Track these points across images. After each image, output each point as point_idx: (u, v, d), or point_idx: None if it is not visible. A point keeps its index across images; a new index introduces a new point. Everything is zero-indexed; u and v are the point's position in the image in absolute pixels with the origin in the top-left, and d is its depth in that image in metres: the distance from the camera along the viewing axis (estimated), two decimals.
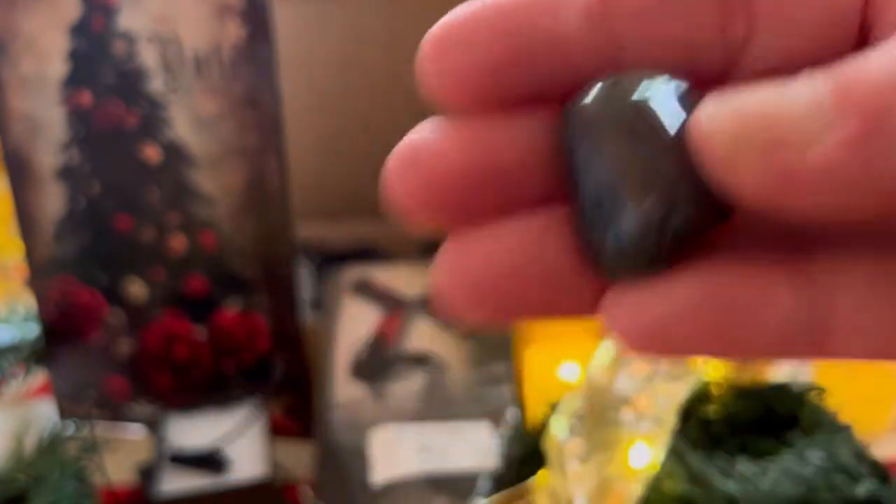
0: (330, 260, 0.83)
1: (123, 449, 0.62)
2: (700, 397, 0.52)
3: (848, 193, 0.14)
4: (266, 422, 0.56)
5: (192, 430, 0.56)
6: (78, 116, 0.59)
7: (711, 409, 0.51)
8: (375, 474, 0.52)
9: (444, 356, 0.60)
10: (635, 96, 0.16)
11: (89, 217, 0.61)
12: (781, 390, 0.52)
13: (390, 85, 0.80)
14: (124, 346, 0.64)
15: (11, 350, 0.67)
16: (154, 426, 0.57)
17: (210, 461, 0.52)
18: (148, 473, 0.54)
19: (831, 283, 0.16)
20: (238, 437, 0.54)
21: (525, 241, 0.17)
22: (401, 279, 0.66)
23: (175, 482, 0.51)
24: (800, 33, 0.17)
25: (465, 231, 0.17)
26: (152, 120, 0.58)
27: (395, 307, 0.63)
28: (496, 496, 0.45)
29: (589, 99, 0.16)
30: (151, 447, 0.55)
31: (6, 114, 0.60)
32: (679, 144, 0.15)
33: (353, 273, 0.67)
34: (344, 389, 0.59)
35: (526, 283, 0.17)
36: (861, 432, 0.49)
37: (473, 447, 0.53)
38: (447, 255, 0.18)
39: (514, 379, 0.59)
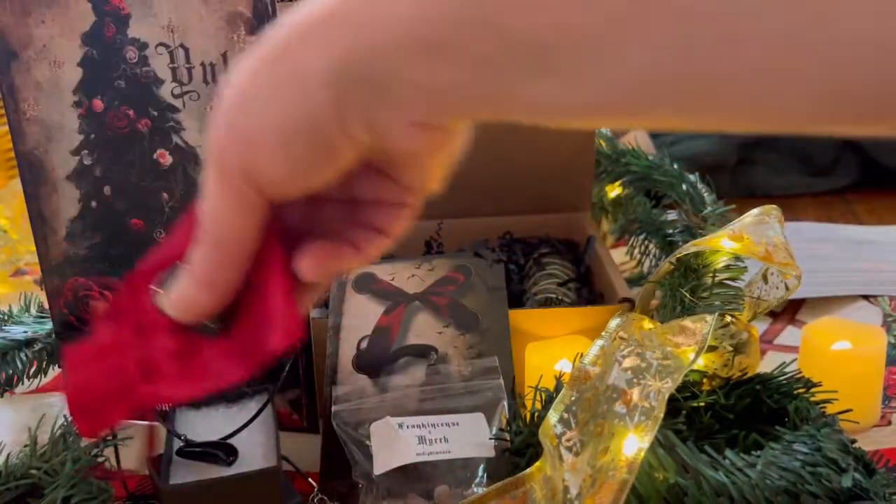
0: None
1: (135, 443, 0.63)
2: (690, 391, 0.53)
3: None
4: (273, 414, 0.56)
5: (202, 424, 0.57)
6: (90, 121, 0.60)
7: (701, 403, 0.52)
8: (377, 464, 0.53)
9: (444, 350, 0.61)
10: None
11: (102, 218, 0.62)
12: (769, 384, 0.53)
13: None
14: None
15: (25, 346, 0.68)
16: (164, 420, 0.58)
17: (218, 453, 0.53)
18: (158, 466, 0.54)
19: None
20: (246, 430, 0.55)
21: None
22: (402, 276, 0.66)
23: (185, 474, 0.52)
24: None
25: None
26: (163, 125, 0.59)
27: (396, 303, 0.64)
28: (493, 486, 0.46)
29: None
30: (162, 440, 0.56)
31: (21, 118, 0.61)
32: None
33: (356, 270, 0.67)
34: (349, 383, 0.60)
35: None
36: (847, 426, 0.50)
37: (467, 438, 0.53)
38: None
39: (511, 373, 0.59)
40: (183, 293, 0.34)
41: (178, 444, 0.54)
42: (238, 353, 0.36)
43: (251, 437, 0.54)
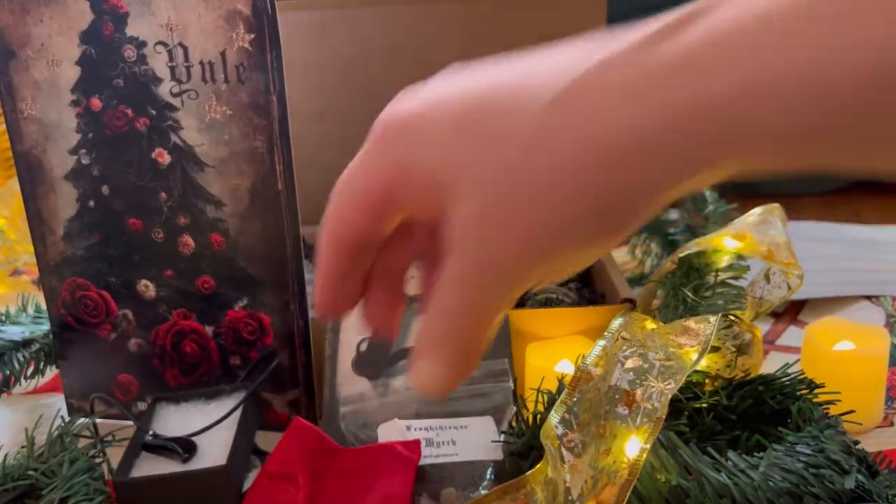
0: None
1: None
2: (692, 392, 0.52)
3: None
4: (249, 414, 0.56)
5: (178, 419, 0.56)
6: (88, 120, 0.60)
7: (703, 404, 0.52)
8: None
9: None
10: None
11: (100, 218, 0.62)
12: (772, 385, 0.53)
13: (391, 90, 0.81)
14: (134, 344, 0.65)
15: (23, 347, 0.68)
16: (131, 412, 0.58)
17: (177, 448, 0.53)
18: (123, 460, 0.54)
19: None
20: (218, 428, 0.55)
21: None
22: None
23: (145, 468, 0.52)
24: None
25: None
26: (161, 123, 0.58)
27: None
28: (496, 488, 0.46)
29: None
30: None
31: (19, 117, 0.61)
32: None
33: None
34: (349, 385, 0.59)
35: None
36: (850, 427, 0.49)
37: (475, 441, 0.53)
38: None
39: (514, 375, 0.59)
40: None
41: (144, 439, 0.54)
42: None
43: (220, 435, 0.54)
